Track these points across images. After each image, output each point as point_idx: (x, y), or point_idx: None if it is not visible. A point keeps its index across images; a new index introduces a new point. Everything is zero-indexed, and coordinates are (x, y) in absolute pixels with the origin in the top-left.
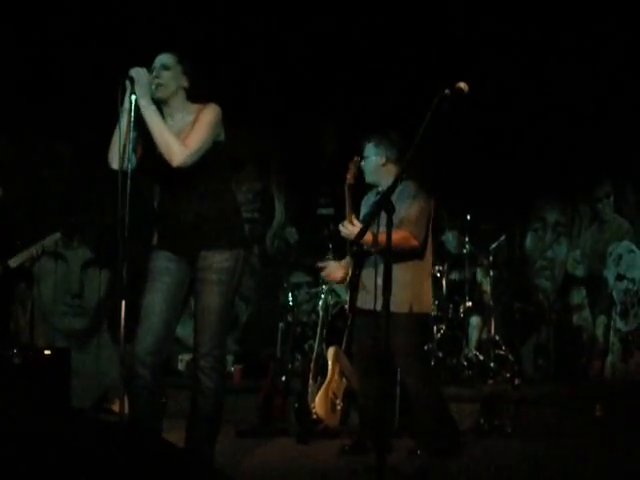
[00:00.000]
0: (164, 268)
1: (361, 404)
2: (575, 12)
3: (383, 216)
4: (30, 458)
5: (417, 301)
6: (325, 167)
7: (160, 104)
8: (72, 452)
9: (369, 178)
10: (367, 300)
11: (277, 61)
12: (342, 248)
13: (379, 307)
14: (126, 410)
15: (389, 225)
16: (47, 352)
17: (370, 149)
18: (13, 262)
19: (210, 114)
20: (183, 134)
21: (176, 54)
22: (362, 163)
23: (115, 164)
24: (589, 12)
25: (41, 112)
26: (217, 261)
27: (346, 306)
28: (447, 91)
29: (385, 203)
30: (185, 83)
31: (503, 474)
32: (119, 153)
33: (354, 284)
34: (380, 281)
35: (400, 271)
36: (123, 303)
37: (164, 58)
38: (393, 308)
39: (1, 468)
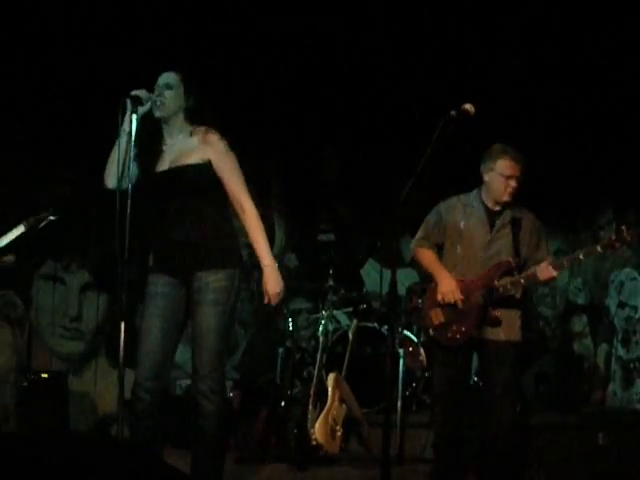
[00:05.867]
0: (161, 293)
1: (440, 434)
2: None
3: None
4: None
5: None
6: (325, 193)
7: (162, 123)
8: (75, 475)
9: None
10: (489, 329)
11: (275, 86)
12: (342, 274)
13: (500, 336)
14: (124, 434)
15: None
16: (44, 375)
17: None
18: None
19: (230, 159)
20: (184, 158)
21: (180, 74)
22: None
23: (111, 184)
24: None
25: (42, 134)
26: (212, 280)
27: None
28: (453, 112)
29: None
30: (186, 104)
31: None
32: (117, 173)
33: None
34: (498, 312)
35: (518, 301)
36: (122, 325)
37: (168, 77)
38: (510, 337)
39: None
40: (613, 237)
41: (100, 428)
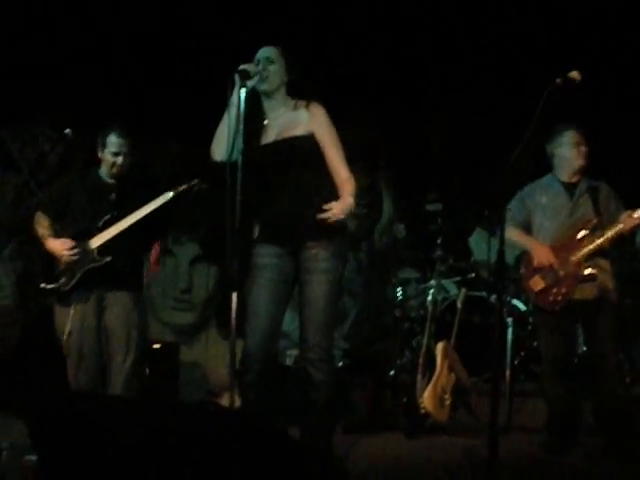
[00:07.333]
0: (268, 264)
1: (553, 402)
2: None
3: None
4: (150, 449)
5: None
6: (434, 162)
7: (263, 97)
8: (188, 445)
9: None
10: (585, 288)
11: (385, 56)
12: (450, 243)
13: (595, 294)
14: (235, 404)
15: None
16: (156, 346)
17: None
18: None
19: (331, 130)
20: (290, 130)
21: (279, 47)
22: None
23: (219, 156)
24: None
25: (150, 109)
26: (322, 250)
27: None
28: (559, 80)
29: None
30: (288, 77)
31: (620, 474)
32: (227, 146)
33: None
34: (593, 269)
35: (608, 260)
36: (234, 295)
37: (268, 51)
38: (603, 294)
39: (119, 460)
40: None
41: (210, 398)
